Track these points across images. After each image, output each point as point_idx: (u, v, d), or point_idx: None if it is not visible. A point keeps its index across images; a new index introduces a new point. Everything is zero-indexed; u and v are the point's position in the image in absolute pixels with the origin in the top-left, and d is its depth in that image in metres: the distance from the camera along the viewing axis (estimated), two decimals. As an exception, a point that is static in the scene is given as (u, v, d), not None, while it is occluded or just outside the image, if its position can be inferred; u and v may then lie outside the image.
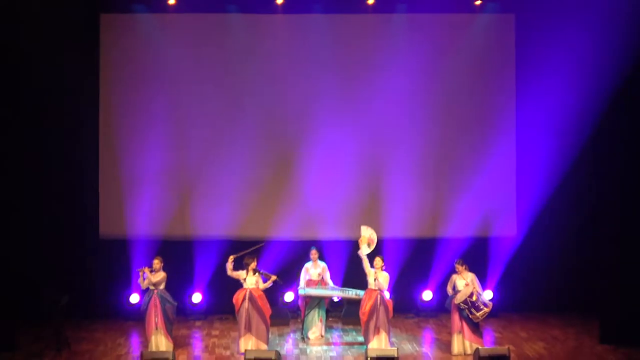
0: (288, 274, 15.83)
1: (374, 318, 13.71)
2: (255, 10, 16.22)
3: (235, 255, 13.94)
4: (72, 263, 16.08)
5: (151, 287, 13.76)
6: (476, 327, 13.83)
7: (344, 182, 16.29)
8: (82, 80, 16.09)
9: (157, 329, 13.68)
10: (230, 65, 16.25)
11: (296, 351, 14.19)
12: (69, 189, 16.12)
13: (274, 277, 13.85)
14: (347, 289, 15.00)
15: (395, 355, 12.48)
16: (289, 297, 16.08)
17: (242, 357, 13.01)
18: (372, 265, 13.89)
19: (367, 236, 14.17)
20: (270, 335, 14.15)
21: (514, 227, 16.57)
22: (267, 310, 13.86)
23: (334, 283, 15.76)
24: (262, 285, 13.83)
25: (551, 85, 16.24)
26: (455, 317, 13.83)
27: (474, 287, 13.74)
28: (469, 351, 13.73)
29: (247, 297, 13.74)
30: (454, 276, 13.95)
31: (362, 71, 16.31)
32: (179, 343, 14.46)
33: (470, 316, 13.65)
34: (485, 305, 13.67)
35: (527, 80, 16.45)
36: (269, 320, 13.91)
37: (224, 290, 15.39)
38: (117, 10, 16.08)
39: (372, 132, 16.31)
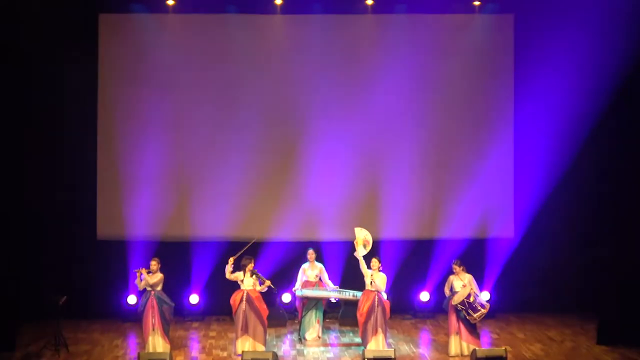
0: (286, 275, 15.87)
1: (372, 319, 13.72)
2: (254, 11, 16.21)
3: (234, 257, 13.95)
4: (70, 264, 16.09)
5: (148, 289, 13.78)
6: (473, 328, 13.83)
7: (342, 183, 16.28)
8: (80, 80, 16.11)
9: (154, 330, 13.70)
10: (229, 65, 16.24)
11: (293, 352, 14.21)
12: (67, 189, 16.12)
13: (268, 282, 13.85)
14: (344, 290, 15.02)
15: (393, 357, 12.51)
16: (286, 298, 16.09)
17: (239, 358, 13.03)
18: (369, 267, 13.89)
19: (362, 237, 14.19)
20: (267, 337, 14.16)
21: (512, 229, 16.56)
22: (265, 311, 13.88)
23: (333, 284, 15.80)
24: (258, 288, 13.85)
25: (550, 86, 16.23)
26: (453, 318, 13.84)
27: (472, 288, 13.74)
28: (466, 352, 13.74)
29: (244, 299, 13.76)
30: (452, 277, 13.95)
31: (361, 71, 16.31)
32: (176, 344, 14.49)
33: (467, 317, 13.66)
34: (482, 306, 13.67)
35: (525, 80, 16.43)
36: (266, 321, 13.92)
37: (221, 292, 15.40)
38: (116, 10, 16.07)
39: (370, 133, 16.31)
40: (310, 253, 15.07)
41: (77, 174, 16.18)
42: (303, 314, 14.87)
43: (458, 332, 13.82)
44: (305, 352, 14.20)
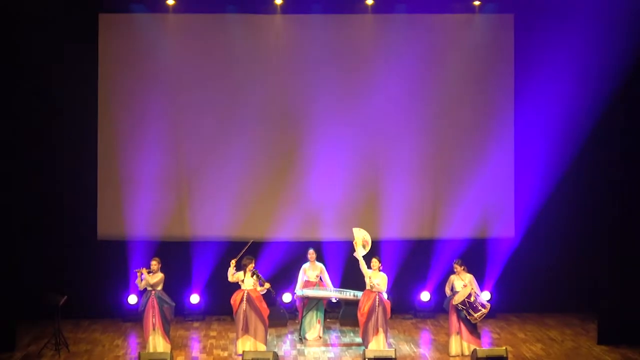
0: (286, 275, 15.87)
1: (373, 319, 13.72)
2: (254, 11, 16.19)
3: (235, 260, 13.93)
4: (71, 264, 16.08)
5: (149, 288, 13.77)
6: (474, 328, 13.83)
7: (342, 183, 16.27)
8: (80, 80, 16.09)
9: (154, 329, 13.70)
10: (229, 65, 16.22)
11: (294, 352, 14.21)
12: (67, 189, 16.12)
13: (267, 285, 13.83)
14: (344, 290, 15.03)
15: (393, 356, 12.52)
16: (286, 298, 16.08)
17: (240, 358, 13.04)
18: (369, 267, 13.89)
19: (361, 238, 14.20)
20: (268, 336, 14.15)
21: (512, 229, 16.55)
22: (265, 310, 13.87)
23: (333, 284, 15.79)
24: (258, 288, 13.84)
25: (550, 86, 16.22)
26: (453, 318, 13.84)
27: (472, 288, 13.73)
28: (466, 352, 13.74)
29: (244, 299, 13.75)
30: (452, 277, 13.95)
31: (361, 71, 16.29)
32: (177, 344, 14.49)
33: (468, 317, 13.66)
34: (483, 306, 13.67)
35: (525, 80, 16.42)
36: (267, 321, 13.91)
37: (221, 292, 15.38)
38: (116, 10, 16.03)
39: (371, 133, 16.30)
40: (311, 253, 15.07)
41: (77, 174, 16.16)
42: (304, 314, 14.86)
43: (459, 332, 13.83)
44: (305, 352, 14.20)
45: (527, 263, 16.49)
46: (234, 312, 13.87)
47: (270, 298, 14.19)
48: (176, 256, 16.00)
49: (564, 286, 16.62)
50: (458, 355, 13.81)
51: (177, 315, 15.35)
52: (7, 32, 14.93)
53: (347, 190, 16.26)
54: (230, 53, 16.22)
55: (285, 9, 16.18)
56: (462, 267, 13.90)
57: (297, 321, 15.36)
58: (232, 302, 13.88)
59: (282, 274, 15.93)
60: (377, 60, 16.29)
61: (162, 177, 16.14)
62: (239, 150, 16.16)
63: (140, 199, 16.05)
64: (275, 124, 16.26)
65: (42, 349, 13.97)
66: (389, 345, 14.01)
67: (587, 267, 16.21)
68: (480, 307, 13.63)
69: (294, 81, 16.29)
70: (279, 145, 16.27)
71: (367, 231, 14.49)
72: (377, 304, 13.74)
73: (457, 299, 13.69)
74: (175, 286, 15.40)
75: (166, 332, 13.79)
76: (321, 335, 14.97)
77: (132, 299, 15.93)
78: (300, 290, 14.84)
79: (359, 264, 14.00)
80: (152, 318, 13.70)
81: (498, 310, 16.14)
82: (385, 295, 13.92)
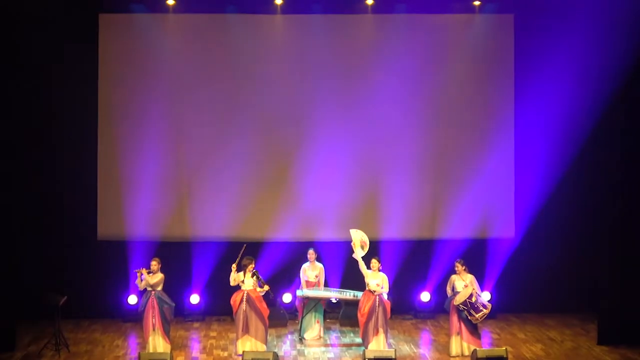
0: (286, 275, 15.88)
1: (373, 319, 13.72)
2: (254, 11, 16.19)
3: (235, 264, 13.91)
4: (71, 264, 16.09)
5: (149, 289, 13.77)
6: (474, 329, 13.83)
7: (342, 183, 16.28)
8: (80, 80, 16.09)
9: (154, 330, 13.70)
10: (229, 65, 16.23)
11: (294, 352, 14.21)
12: (68, 189, 16.12)
13: (267, 288, 13.83)
14: (344, 290, 15.03)
15: (393, 357, 12.51)
16: (286, 298, 16.08)
17: (240, 358, 13.05)
18: (368, 267, 13.89)
19: (359, 239, 14.21)
20: (268, 337, 14.14)
21: (512, 229, 16.55)
22: (265, 310, 13.87)
23: (333, 284, 15.82)
24: (258, 289, 13.83)
25: (550, 86, 16.21)
26: (454, 318, 13.83)
27: (474, 289, 13.73)
28: (466, 353, 13.73)
29: (244, 299, 13.75)
30: (453, 277, 13.94)
31: (361, 71, 16.29)
32: (177, 344, 14.49)
33: (469, 317, 13.65)
34: (484, 306, 13.66)
35: (526, 80, 16.42)
36: (267, 321, 13.91)
37: (221, 292, 15.40)
38: (116, 10, 16.04)
39: (370, 133, 16.30)
40: (311, 253, 15.07)
41: (77, 174, 16.16)
42: (303, 314, 14.86)
43: (459, 333, 13.82)
44: (305, 352, 14.20)
45: (527, 263, 16.49)
46: (233, 312, 13.86)
47: (269, 300, 14.17)
48: (176, 256, 16.01)
49: (564, 286, 16.62)
50: (458, 356, 13.81)
51: (177, 316, 15.35)
52: (7, 32, 14.93)
53: (347, 190, 16.26)
54: (230, 53, 16.22)
55: (285, 9, 16.19)
56: (464, 267, 13.90)
57: (297, 321, 15.36)
58: (232, 302, 13.88)
59: (282, 274, 15.94)
60: (377, 60, 16.28)
61: (162, 177, 16.14)
62: (239, 150, 16.16)
63: (140, 199, 16.05)
64: (275, 124, 16.25)
65: (42, 349, 13.97)
66: (389, 345, 14.00)
67: (587, 267, 16.22)
68: (481, 308, 13.62)
69: (294, 81, 16.29)
70: (278, 145, 16.26)
71: (367, 231, 14.50)
72: (377, 305, 13.74)
73: (459, 300, 13.69)
74: (175, 286, 15.41)
75: (166, 333, 13.79)
76: (321, 335, 14.97)
77: (132, 299, 15.93)
78: (300, 291, 14.84)
79: (358, 265, 14.00)
80: (152, 318, 13.70)
81: (498, 310, 16.14)
82: (385, 296, 13.92)
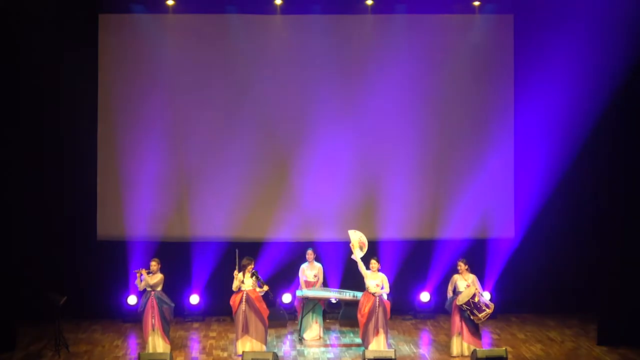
0: (285, 276, 15.88)
1: (373, 319, 13.72)
2: (254, 11, 16.19)
3: (237, 271, 13.87)
4: (70, 264, 16.09)
5: (148, 289, 13.77)
6: (476, 330, 13.81)
7: (342, 183, 16.28)
8: (80, 80, 16.09)
9: (154, 330, 13.70)
10: (229, 66, 16.23)
11: (294, 353, 14.21)
12: (67, 190, 16.12)
13: (266, 288, 13.82)
14: (344, 290, 15.03)
15: (393, 357, 12.54)
16: (286, 298, 16.08)
17: (240, 358, 13.05)
18: (367, 267, 13.89)
19: (357, 240, 14.20)
20: (267, 337, 14.13)
21: (512, 229, 16.56)
22: (265, 310, 13.86)
23: (332, 285, 15.82)
24: (257, 289, 13.83)
25: (550, 86, 16.21)
26: (456, 318, 13.80)
27: (476, 288, 13.71)
28: (466, 353, 13.73)
29: (244, 299, 13.75)
30: (456, 276, 13.92)
31: (361, 72, 16.29)
32: (177, 344, 14.49)
33: (472, 317, 13.62)
34: (487, 306, 13.64)
35: (525, 80, 16.42)
36: (267, 321, 13.91)
37: (221, 292, 15.41)
38: (116, 10, 16.05)
39: (370, 133, 16.31)
40: (309, 253, 15.07)
41: (77, 174, 16.17)
42: (303, 314, 14.85)
43: (460, 333, 13.80)
44: (305, 352, 14.20)
45: (527, 263, 16.48)
46: (233, 312, 13.86)
47: (269, 300, 14.17)
48: (176, 256, 16.01)
49: (564, 286, 16.61)
50: (459, 356, 13.79)
51: (177, 316, 15.36)
52: (7, 32, 14.94)
53: (347, 190, 16.27)
54: (230, 53, 16.23)
55: (285, 9, 16.19)
56: (467, 267, 13.89)
57: (296, 322, 15.35)
58: (231, 302, 13.88)
59: (282, 275, 15.95)
60: (377, 60, 16.29)
61: (162, 177, 16.15)
62: (239, 150, 16.17)
63: (140, 199, 16.05)
64: (275, 124, 16.25)
65: (42, 349, 13.99)
66: (389, 345, 14.00)
67: (587, 267, 16.20)
68: (484, 307, 13.60)
69: (294, 81, 16.30)
70: (278, 145, 16.26)
71: (367, 231, 14.50)
72: (377, 305, 13.74)
73: (462, 300, 13.65)
74: (175, 287, 15.43)
75: (166, 333, 13.78)
76: (321, 335, 14.96)
77: (132, 300, 15.93)
78: (300, 291, 14.84)
79: (357, 266, 14.00)
80: (152, 319, 13.69)
81: (498, 310, 16.03)
82: (385, 296, 13.92)
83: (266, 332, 13.92)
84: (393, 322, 15.57)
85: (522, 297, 16.50)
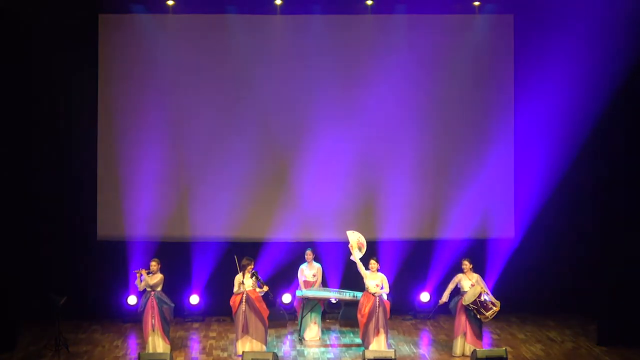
0: (285, 276, 15.88)
1: (373, 320, 13.72)
2: (254, 11, 16.19)
3: (241, 274, 13.86)
4: (71, 264, 16.09)
5: (148, 289, 13.77)
6: (479, 331, 13.79)
7: (342, 183, 16.28)
8: (80, 81, 16.10)
9: (154, 330, 13.70)
10: (229, 66, 16.23)
11: (293, 353, 14.21)
12: (68, 190, 16.13)
13: (266, 288, 13.82)
14: (344, 290, 15.03)
15: (393, 357, 12.55)
16: (286, 298, 16.08)
17: (240, 359, 13.06)
18: (367, 268, 13.88)
19: (355, 240, 14.20)
20: (267, 337, 14.13)
21: (512, 229, 16.56)
22: (265, 310, 13.86)
23: (332, 285, 15.82)
24: (257, 289, 13.82)
25: (550, 86, 16.21)
26: (462, 318, 13.76)
27: (482, 287, 13.69)
28: (468, 353, 13.71)
29: (244, 300, 13.75)
30: (460, 275, 13.90)
31: (361, 72, 16.29)
32: (177, 345, 14.49)
33: (479, 317, 13.61)
34: (493, 304, 13.62)
35: (525, 80, 16.43)
36: (267, 321, 13.91)
37: (221, 292, 15.41)
38: (116, 10, 16.05)
39: (370, 133, 16.30)
40: (308, 253, 15.07)
41: (77, 174, 16.17)
42: (303, 315, 14.85)
43: (465, 334, 13.77)
44: (305, 352, 14.20)
45: (527, 264, 16.47)
46: (233, 312, 13.86)
47: (269, 300, 14.17)
48: (176, 256, 16.01)
49: (564, 287, 16.59)
50: (460, 356, 13.78)
51: (177, 316, 15.36)
52: (7, 32, 14.94)
53: (346, 190, 16.27)
54: (230, 54, 16.23)
55: (285, 9, 16.19)
56: (471, 266, 13.88)
57: (296, 322, 15.35)
58: (231, 302, 13.88)
59: (282, 275, 15.95)
60: (377, 60, 16.28)
61: (162, 177, 16.15)
62: (239, 150, 16.17)
63: (140, 199, 16.06)
64: (275, 124, 16.25)
65: (42, 349, 13.99)
66: (389, 346, 14.00)
67: (587, 267, 16.20)
68: (491, 306, 13.58)
69: (294, 82, 16.30)
70: (278, 145, 16.26)
71: (367, 231, 14.51)
72: (377, 305, 13.74)
73: (468, 299, 13.62)
74: (175, 287, 15.43)
75: (165, 333, 13.79)
76: (320, 335, 14.95)
77: (132, 300, 15.93)
78: (300, 291, 14.84)
79: (357, 267, 13.99)
80: (152, 319, 13.70)
81: (498, 310, 16.10)
82: (385, 296, 13.92)
83: (266, 332, 13.92)
84: (393, 322, 15.57)
85: (522, 297, 16.48)
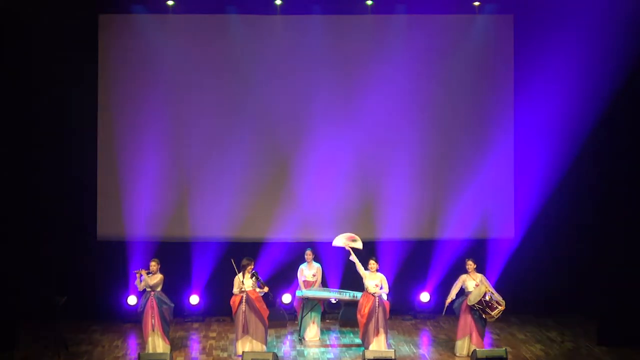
0: (285, 276, 15.88)
1: (373, 320, 13.72)
2: (254, 11, 16.20)
3: (241, 275, 13.86)
4: (70, 264, 16.08)
5: (148, 289, 13.77)
6: (484, 331, 13.78)
7: (341, 183, 16.28)
8: (80, 81, 16.09)
9: (153, 330, 13.70)
10: (229, 66, 16.24)
11: (293, 353, 14.21)
12: (67, 190, 16.12)
13: (266, 289, 13.81)
14: (344, 290, 15.03)
15: (393, 357, 12.56)
16: (286, 298, 16.08)
17: (240, 359, 13.06)
18: (366, 268, 13.87)
19: (344, 242, 14.18)
20: (267, 337, 14.13)
21: (512, 229, 16.56)
22: (265, 310, 13.86)
23: (332, 285, 15.82)
24: (257, 290, 13.82)
25: (550, 86, 16.23)
26: (468, 319, 13.73)
27: (487, 287, 13.68)
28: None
29: (244, 300, 13.75)
30: (464, 276, 13.88)
31: (361, 72, 16.29)
32: (177, 345, 14.49)
33: (484, 316, 13.60)
34: (499, 303, 13.61)
35: (525, 81, 16.43)
36: (266, 321, 13.91)
37: (221, 292, 15.42)
38: (116, 11, 16.06)
39: (370, 134, 16.30)
40: (308, 253, 15.06)
41: (77, 174, 16.17)
42: (302, 315, 14.84)
43: (470, 335, 13.74)
44: (305, 352, 14.20)
45: (527, 264, 16.47)
46: (233, 313, 13.86)
47: (269, 300, 14.17)
48: (176, 256, 16.00)
49: (564, 287, 16.58)
50: (465, 357, 13.76)
51: (177, 316, 15.37)
52: (7, 32, 14.94)
53: (346, 190, 16.27)
54: (230, 54, 16.23)
55: (285, 9, 16.19)
56: (475, 266, 13.87)
57: (296, 322, 15.35)
58: (231, 303, 13.88)
59: (281, 275, 15.95)
60: (377, 61, 16.29)
61: (162, 177, 16.15)
62: (239, 150, 16.17)
63: (140, 199, 16.06)
64: (275, 124, 16.25)
65: (42, 349, 13.98)
66: (389, 346, 14.00)
67: (586, 267, 16.19)
68: (496, 305, 13.57)
69: (294, 82, 16.30)
70: (278, 146, 16.26)
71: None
72: (377, 305, 13.74)
73: (473, 300, 13.60)
74: (175, 287, 15.43)
75: (165, 333, 13.79)
76: (319, 336, 14.95)
77: (132, 300, 15.93)
78: (300, 291, 14.83)
79: (356, 267, 13.99)
80: (152, 319, 13.70)
81: (503, 309, 16.11)
82: (385, 296, 13.91)
83: (266, 332, 13.92)
84: (393, 322, 15.57)
85: (522, 297, 16.48)
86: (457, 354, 13.87)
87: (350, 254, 14.14)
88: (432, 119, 16.41)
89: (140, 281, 13.78)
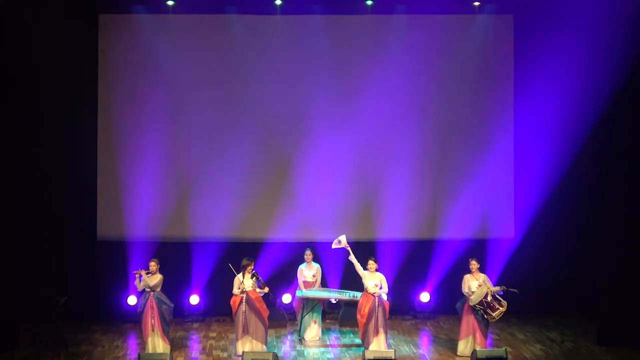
0: (285, 276, 15.88)
1: (373, 320, 13.71)
2: (254, 11, 16.21)
3: (241, 276, 13.85)
4: (70, 264, 16.09)
5: (147, 290, 13.77)
6: (487, 331, 13.78)
7: (342, 183, 16.29)
8: (80, 81, 16.10)
9: (153, 330, 13.70)
10: (229, 66, 16.24)
11: (293, 353, 14.21)
12: (67, 190, 16.13)
13: (266, 289, 13.81)
14: (344, 290, 15.03)
15: (393, 357, 12.55)
16: (286, 298, 16.08)
17: (240, 359, 13.06)
18: (365, 268, 13.87)
19: (338, 243, 14.18)
20: (267, 337, 14.13)
21: (512, 229, 16.56)
22: (265, 311, 13.86)
23: (332, 285, 15.83)
24: (257, 290, 13.81)
25: (550, 86, 16.23)
26: (471, 319, 13.72)
27: (489, 287, 13.68)
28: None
29: (244, 300, 13.74)
30: (467, 276, 13.87)
31: (361, 72, 16.30)
32: (176, 345, 14.49)
33: (485, 316, 13.60)
34: (500, 304, 13.62)
35: (525, 80, 16.43)
36: (267, 322, 13.91)
37: (221, 293, 15.41)
38: (116, 11, 16.07)
39: (370, 134, 16.31)
40: (308, 254, 15.06)
41: (77, 174, 16.17)
42: (303, 315, 14.85)
43: (473, 335, 13.74)
44: (305, 352, 14.20)
45: (527, 264, 16.46)
46: (233, 313, 13.86)
47: (269, 300, 14.17)
48: (176, 257, 16.01)
49: (564, 287, 16.58)
50: (464, 357, 13.76)
51: (177, 316, 15.37)
52: (7, 32, 14.94)
53: (346, 190, 16.27)
54: (230, 54, 16.23)
55: (285, 9, 16.20)
56: (478, 266, 13.87)
57: (296, 322, 15.35)
58: (231, 303, 13.87)
59: (281, 275, 15.95)
60: (377, 61, 16.29)
61: (161, 177, 16.16)
62: (239, 150, 16.18)
63: (140, 199, 16.07)
64: (275, 125, 16.26)
65: (42, 349, 13.98)
66: (389, 346, 14.00)
67: (586, 267, 16.19)
68: (498, 306, 13.58)
69: (294, 82, 16.31)
70: (278, 146, 16.27)
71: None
72: (377, 305, 13.73)
73: (475, 300, 13.60)
74: (174, 287, 15.44)
75: (165, 333, 13.79)
76: (320, 336, 14.96)
77: (132, 300, 15.93)
78: (300, 291, 14.83)
79: (355, 268, 13.99)
80: (151, 319, 13.70)
81: (504, 310, 16.10)
82: (384, 296, 13.91)
83: (266, 332, 13.92)
84: (393, 323, 15.57)
85: (522, 297, 16.42)
86: (460, 354, 13.86)
87: (349, 254, 14.13)
88: (432, 119, 16.41)
89: (140, 281, 13.78)
